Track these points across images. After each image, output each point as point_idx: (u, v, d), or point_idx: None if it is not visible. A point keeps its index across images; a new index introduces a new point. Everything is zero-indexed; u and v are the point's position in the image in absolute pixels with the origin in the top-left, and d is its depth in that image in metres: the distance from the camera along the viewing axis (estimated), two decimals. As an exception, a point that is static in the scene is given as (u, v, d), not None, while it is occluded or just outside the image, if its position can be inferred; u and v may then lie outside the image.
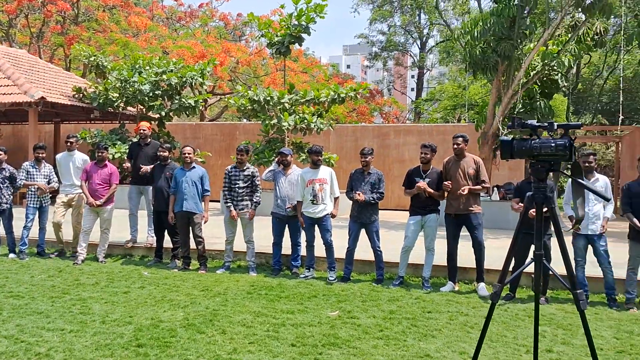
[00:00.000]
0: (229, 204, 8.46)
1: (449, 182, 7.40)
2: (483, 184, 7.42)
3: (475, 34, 12.87)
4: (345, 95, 15.42)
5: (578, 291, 3.39)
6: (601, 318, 6.30)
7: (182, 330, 5.50)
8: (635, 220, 6.74)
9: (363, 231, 7.93)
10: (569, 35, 13.58)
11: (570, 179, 6.80)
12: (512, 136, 3.49)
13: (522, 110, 13.45)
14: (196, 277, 7.98)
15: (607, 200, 3.69)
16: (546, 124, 3.33)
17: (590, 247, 6.97)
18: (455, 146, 7.54)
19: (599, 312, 6.52)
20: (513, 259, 6.96)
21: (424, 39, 38.52)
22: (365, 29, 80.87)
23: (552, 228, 3.59)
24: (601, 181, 6.98)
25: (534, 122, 3.34)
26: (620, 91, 15.44)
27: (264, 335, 5.39)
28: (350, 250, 7.98)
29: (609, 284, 6.89)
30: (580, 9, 13.02)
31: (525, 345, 5.25)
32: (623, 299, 6.89)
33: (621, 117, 12.83)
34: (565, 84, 15.11)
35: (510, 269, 6.73)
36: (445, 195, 7.58)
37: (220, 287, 7.36)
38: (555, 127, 3.31)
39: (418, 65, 38.90)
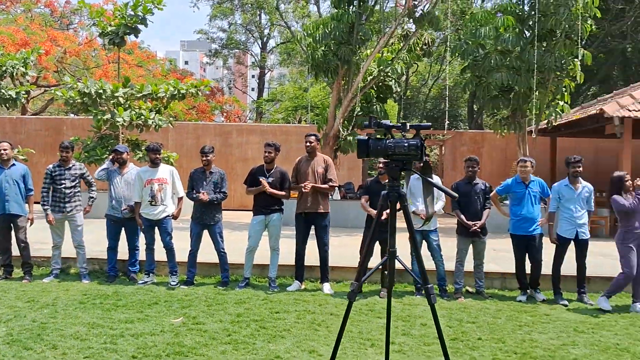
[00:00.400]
0: (46, 207, 7.69)
1: (308, 182, 7.37)
2: (330, 183, 7.56)
3: (317, 37, 13.18)
4: (186, 92, 14.92)
5: (429, 285, 3.55)
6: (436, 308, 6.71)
7: (6, 348, 4.85)
8: (462, 216, 7.32)
9: (206, 232, 7.69)
10: (402, 44, 14.48)
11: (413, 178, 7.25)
12: (368, 136, 3.56)
13: (360, 113, 14.06)
14: (20, 287, 7.16)
15: (454, 197, 3.94)
16: (399, 125, 3.43)
17: (424, 242, 7.42)
18: (307, 144, 7.59)
19: (433, 303, 6.96)
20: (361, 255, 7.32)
21: (265, 39, 38.81)
22: (205, 25, 78.96)
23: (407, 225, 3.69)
24: (434, 180, 7.46)
25: (388, 122, 3.43)
26: (446, 99, 16.85)
27: (101, 348, 4.94)
28: (193, 253, 7.69)
29: (440, 276, 7.40)
30: (411, 20, 13.93)
31: (370, 339, 5.40)
32: (452, 290, 7.43)
33: (447, 122, 13.99)
34: (399, 90, 16.10)
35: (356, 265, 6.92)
36: (296, 194, 7.62)
37: (49, 298, 6.65)
38: (408, 128, 3.42)
39: (259, 65, 39.07)
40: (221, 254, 7.72)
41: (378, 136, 3.51)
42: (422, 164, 3.55)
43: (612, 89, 23.85)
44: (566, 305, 7.03)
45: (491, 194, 7.49)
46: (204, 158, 7.64)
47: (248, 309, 6.38)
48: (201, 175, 7.69)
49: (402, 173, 3.52)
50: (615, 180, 6.91)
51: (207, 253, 7.90)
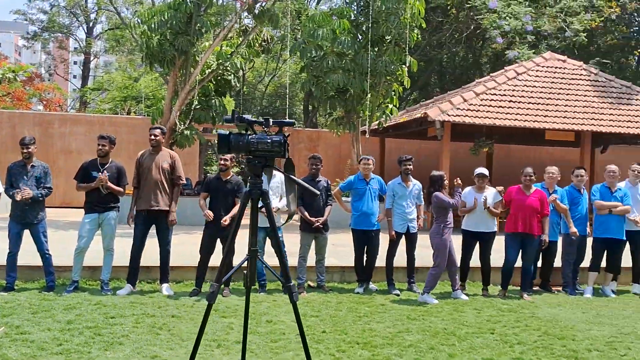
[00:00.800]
0: None
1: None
2: (179, 180, 7.23)
3: (153, 25, 12.56)
4: (2, 77, 13.37)
5: (291, 284, 3.52)
6: (279, 304, 6.76)
7: None
8: (305, 213, 7.45)
9: (27, 232, 6.93)
10: (241, 38, 14.37)
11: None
12: (229, 130, 3.42)
13: (198, 106, 13.71)
14: None
15: (316, 195, 3.94)
16: (262, 120, 3.35)
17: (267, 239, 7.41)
18: (152, 138, 7.16)
19: (277, 299, 7.00)
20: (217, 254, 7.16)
21: (91, 24, 36.15)
22: (23, 5, 71.55)
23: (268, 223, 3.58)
24: (278, 177, 7.52)
25: (249, 116, 3.33)
26: (287, 97, 17.14)
27: None
28: (13, 255, 6.91)
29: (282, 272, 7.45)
30: (251, 16, 13.89)
31: (216, 340, 5.27)
32: (295, 285, 7.49)
33: (287, 120, 14.20)
34: (238, 85, 16.00)
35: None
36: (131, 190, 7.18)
37: None
38: (271, 124, 3.35)
39: (84, 51, 36.31)
40: (45, 256, 7.01)
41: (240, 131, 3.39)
42: (285, 161, 3.49)
43: (430, 95, 26.11)
44: (398, 295, 7.49)
45: (334, 191, 7.73)
46: (25, 150, 6.88)
47: (79, 315, 5.87)
48: (21, 169, 6.91)
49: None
50: (437, 178, 7.43)
51: (28, 255, 7.14)
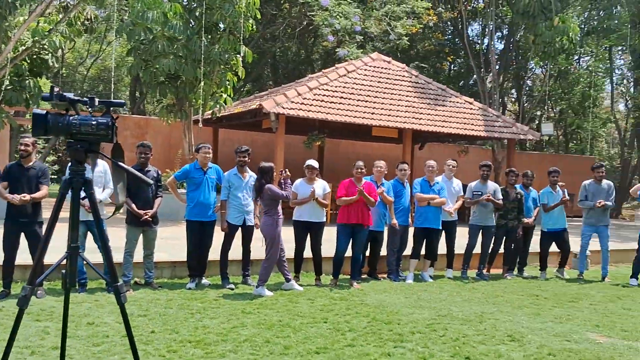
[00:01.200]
0: None
1: None
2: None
3: (-47, -8, 10.93)
4: None
5: (119, 284, 3.17)
6: (102, 304, 6.25)
7: None
8: (132, 205, 6.97)
9: None
10: (61, 15, 13.11)
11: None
12: (46, 110, 2.96)
13: (10, 87, 12.25)
14: None
15: (149, 185, 3.61)
16: (86, 99, 2.94)
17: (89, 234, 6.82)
18: None
19: (99, 299, 6.47)
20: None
21: None
22: None
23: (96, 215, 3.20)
24: (101, 165, 6.97)
25: (72, 95, 2.91)
26: (112, 81, 16.02)
27: None
28: None
29: (107, 270, 6.89)
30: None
31: (29, 347, 4.70)
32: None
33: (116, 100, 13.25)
34: (57, 65, 14.61)
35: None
36: None
37: None
38: (97, 104, 2.96)
39: None
40: None
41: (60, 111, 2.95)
42: (113, 146, 3.11)
43: (263, 87, 26.24)
44: (232, 289, 7.34)
45: (169, 180, 7.34)
46: None
47: None
48: None
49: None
50: (267, 169, 7.30)
51: None
